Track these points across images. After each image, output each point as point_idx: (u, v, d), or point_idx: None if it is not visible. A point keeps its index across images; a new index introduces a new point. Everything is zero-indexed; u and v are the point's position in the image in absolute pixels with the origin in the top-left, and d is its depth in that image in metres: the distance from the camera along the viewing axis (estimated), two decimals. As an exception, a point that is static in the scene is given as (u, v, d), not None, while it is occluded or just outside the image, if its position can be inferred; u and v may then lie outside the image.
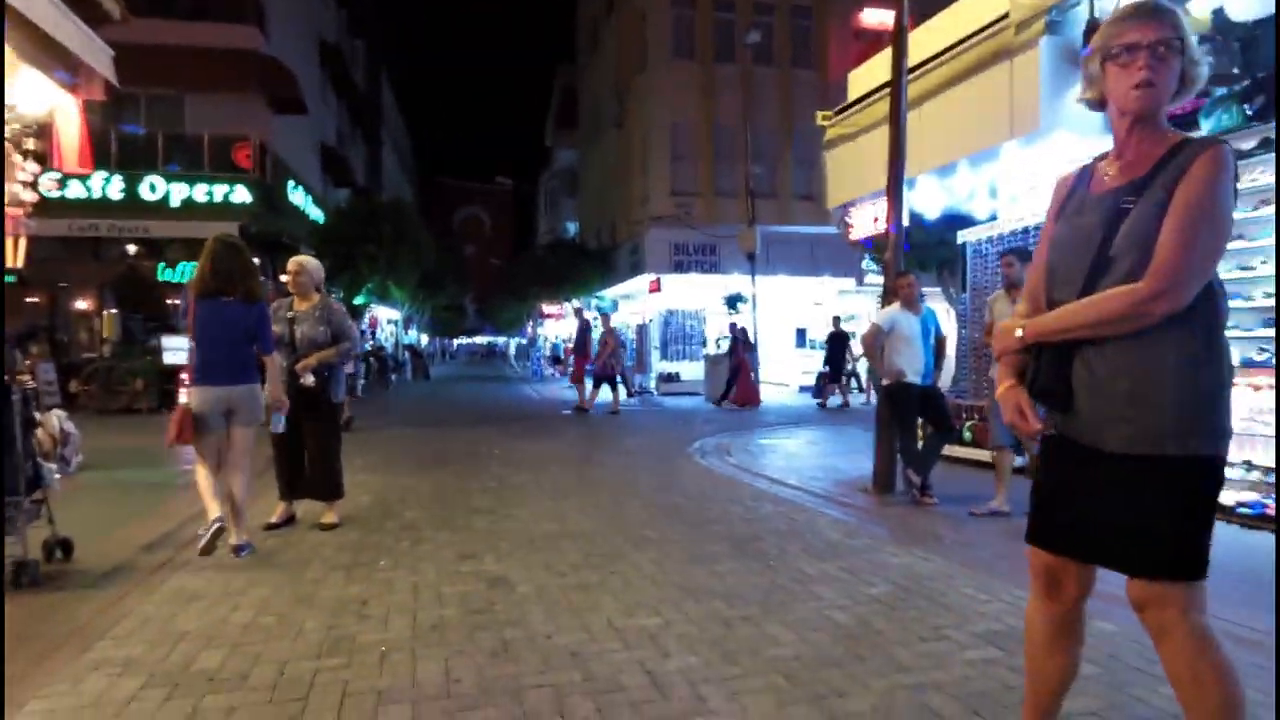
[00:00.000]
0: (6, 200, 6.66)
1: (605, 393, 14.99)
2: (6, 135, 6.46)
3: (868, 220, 10.24)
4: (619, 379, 15.14)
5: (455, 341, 69.14)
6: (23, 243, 6.90)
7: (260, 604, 3.81)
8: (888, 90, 8.82)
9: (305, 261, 5.67)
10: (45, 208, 9.30)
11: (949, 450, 7.22)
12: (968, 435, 8.08)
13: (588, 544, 4.98)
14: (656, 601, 3.83)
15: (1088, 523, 1.92)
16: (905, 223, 7.03)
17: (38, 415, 7.47)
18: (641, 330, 23.70)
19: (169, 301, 17.61)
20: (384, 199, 28.21)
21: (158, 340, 14.21)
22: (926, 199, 8.85)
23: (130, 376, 13.84)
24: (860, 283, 22.20)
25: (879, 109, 9.13)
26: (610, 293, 27.83)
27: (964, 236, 8.72)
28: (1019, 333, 1.99)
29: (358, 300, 22.49)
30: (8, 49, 6.04)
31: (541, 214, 58.07)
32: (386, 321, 34.82)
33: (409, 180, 57.48)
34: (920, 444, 6.46)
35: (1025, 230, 7.78)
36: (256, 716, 2.67)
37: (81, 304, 17.97)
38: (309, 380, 5.30)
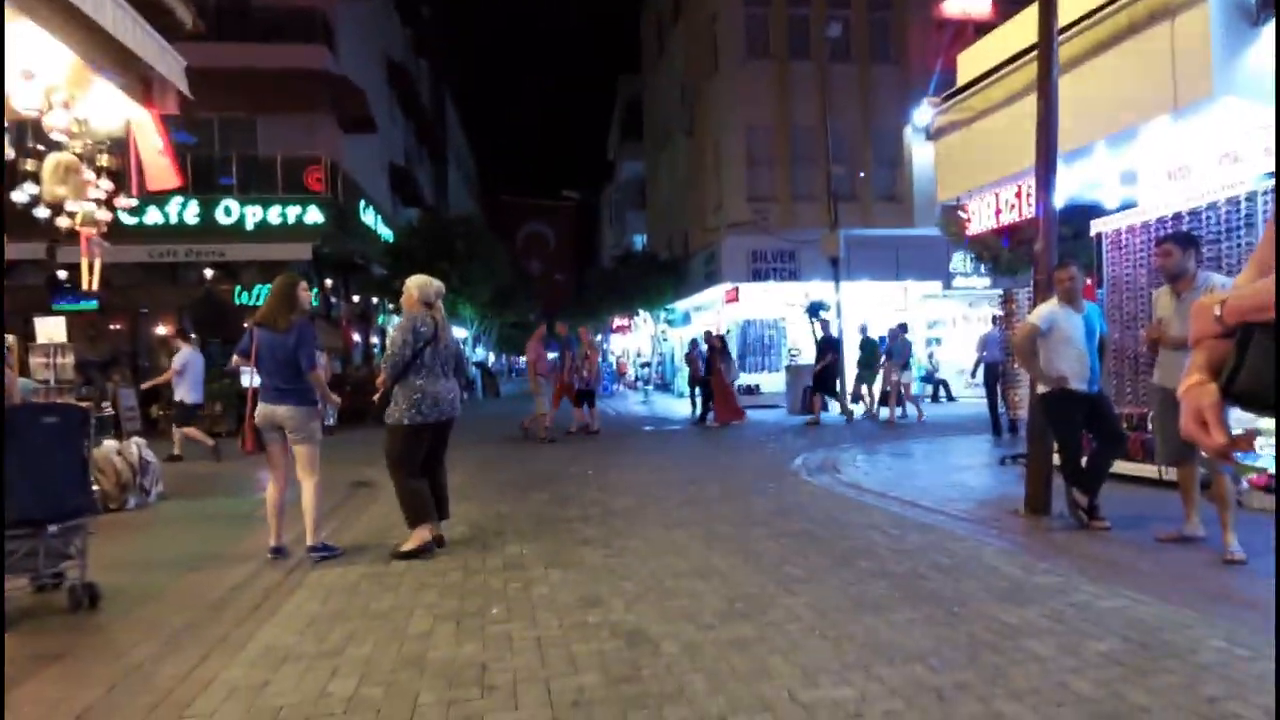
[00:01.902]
0: (80, 220, 6.36)
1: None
2: (79, 151, 6.15)
3: (987, 212, 9.41)
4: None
5: (523, 359, 69.46)
6: (98, 264, 6.58)
7: (363, 667, 3.25)
8: (1010, 68, 8.15)
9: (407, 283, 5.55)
10: (123, 234, 9.09)
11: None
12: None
13: (726, 585, 4.32)
14: (838, 665, 3.15)
15: None
16: (1059, 205, 6.23)
17: (118, 444, 7.16)
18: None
19: (246, 325, 17.65)
20: (452, 216, 28.23)
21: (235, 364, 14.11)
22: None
23: (209, 400, 13.68)
24: (948, 286, 21.22)
25: (998, 90, 8.49)
26: (684, 304, 27.08)
27: (1099, 226, 7.82)
28: (1216, 310, 1.37)
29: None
30: (77, 59, 5.72)
31: (607, 228, 58.11)
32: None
33: (474, 198, 58.08)
34: (1085, 459, 5.61)
35: (1178, 216, 6.87)
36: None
37: (161, 329, 18.09)
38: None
